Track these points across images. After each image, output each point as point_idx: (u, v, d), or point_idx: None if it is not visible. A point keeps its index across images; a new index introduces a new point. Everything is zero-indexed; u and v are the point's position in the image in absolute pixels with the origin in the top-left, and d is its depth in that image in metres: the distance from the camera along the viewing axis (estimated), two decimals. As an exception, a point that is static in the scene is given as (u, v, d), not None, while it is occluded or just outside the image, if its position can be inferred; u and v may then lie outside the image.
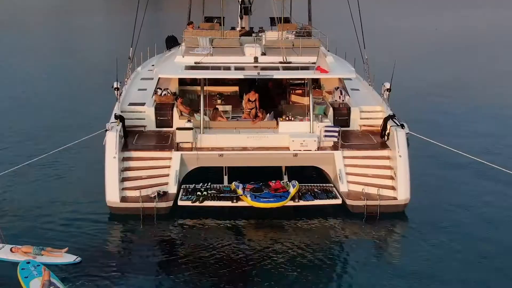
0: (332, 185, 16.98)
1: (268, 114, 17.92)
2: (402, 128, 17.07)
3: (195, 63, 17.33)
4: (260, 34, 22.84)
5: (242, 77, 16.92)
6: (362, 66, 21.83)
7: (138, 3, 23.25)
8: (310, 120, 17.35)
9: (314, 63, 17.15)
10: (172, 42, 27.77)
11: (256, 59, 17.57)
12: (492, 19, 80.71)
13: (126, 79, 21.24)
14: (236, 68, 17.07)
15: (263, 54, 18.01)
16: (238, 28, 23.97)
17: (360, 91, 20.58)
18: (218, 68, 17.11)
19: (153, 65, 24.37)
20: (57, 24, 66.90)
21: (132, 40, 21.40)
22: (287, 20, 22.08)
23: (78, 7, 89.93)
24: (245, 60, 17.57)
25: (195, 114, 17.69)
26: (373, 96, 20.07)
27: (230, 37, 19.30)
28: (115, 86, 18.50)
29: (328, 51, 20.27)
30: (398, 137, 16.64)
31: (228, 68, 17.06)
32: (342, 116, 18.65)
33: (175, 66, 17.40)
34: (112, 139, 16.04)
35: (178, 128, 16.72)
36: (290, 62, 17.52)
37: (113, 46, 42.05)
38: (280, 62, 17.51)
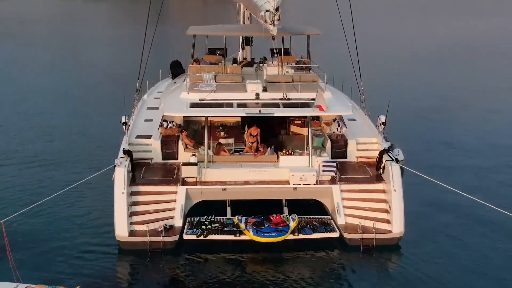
0: (330, 217, 17.27)
1: (269, 148, 18.20)
2: (397, 162, 17.37)
3: (199, 100, 17.60)
4: (261, 65, 23.21)
5: (244, 115, 17.22)
6: (358, 96, 22.26)
7: (145, 34, 23.54)
8: (309, 155, 17.65)
9: (313, 99, 17.47)
10: (176, 68, 28.08)
11: (257, 95, 17.84)
12: (488, 28, 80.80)
13: (133, 110, 21.54)
14: (239, 105, 17.34)
15: (264, 89, 18.29)
16: (240, 59, 24.26)
17: (356, 122, 20.88)
18: (221, 104, 17.38)
19: (158, 92, 24.67)
20: (61, 39, 65.75)
21: (139, 72, 21.69)
22: (287, 52, 22.38)
23: (81, 17, 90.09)
24: (247, 96, 17.83)
25: (199, 148, 17.97)
26: (369, 127, 20.36)
27: (233, 73, 19.56)
28: (123, 120, 18.77)
29: (326, 83, 20.58)
30: (393, 171, 16.95)
31: (231, 105, 17.32)
32: (339, 148, 18.96)
33: (180, 102, 17.65)
34: (120, 175, 16.32)
35: (184, 164, 17.02)
36: (290, 99, 17.79)
37: (120, 71, 41.71)
38: (281, 99, 17.77)
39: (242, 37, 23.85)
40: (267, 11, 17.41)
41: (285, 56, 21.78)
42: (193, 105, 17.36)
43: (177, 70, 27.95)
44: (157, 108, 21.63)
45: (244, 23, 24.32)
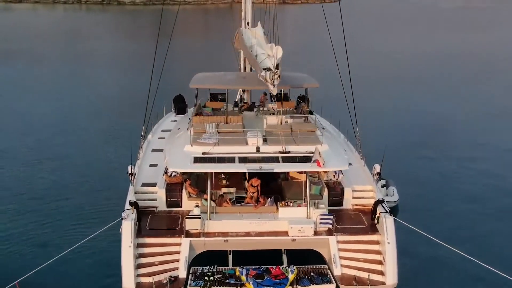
0: (327, 266, 17.73)
1: (269, 199, 18.68)
2: (391, 215, 17.85)
3: (203, 153, 18.10)
4: (261, 108, 23.71)
5: (245, 171, 17.67)
6: (354, 136, 22.84)
7: (151, 73, 24.10)
8: (307, 206, 18.14)
9: (312, 152, 18.03)
10: (179, 103, 28.61)
11: (258, 149, 18.35)
12: (486, 44, 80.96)
13: (138, 154, 22.04)
14: (240, 159, 17.84)
15: (265, 140, 18.81)
16: (239, 95, 24.66)
17: (352, 166, 21.34)
18: (223, 159, 17.87)
19: (163, 131, 25.18)
20: (64, 58, 65.27)
21: (145, 119, 22.26)
22: (286, 97, 22.90)
23: (86, 30, 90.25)
24: (248, 149, 18.33)
25: (202, 200, 18.45)
26: (365, 173, 20.84)
27: (234, 123, 20.04)
28: (129, 171, 19.25)
29: (323, 128, 21.09)
30: (387, 224, 17.43)
31: (233, 160, 17.82)
32: (336, 197, 19.47)
33: (184, 156, 18.14)
34: (127, 229, 16.78)
35: (188, 217, 17.50)
36: (289, 152, 18.31)
37: (127, 100, 41.77)
38: (280, 152, 18.30)
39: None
40: (267, 69, 18.00)
41: (284, 102, 22.33)
42: (196, 159, 17.85)
43: (180, 105, 28.50)
44: (161, 150, 22.16)
45: (245, 69, 24.83)
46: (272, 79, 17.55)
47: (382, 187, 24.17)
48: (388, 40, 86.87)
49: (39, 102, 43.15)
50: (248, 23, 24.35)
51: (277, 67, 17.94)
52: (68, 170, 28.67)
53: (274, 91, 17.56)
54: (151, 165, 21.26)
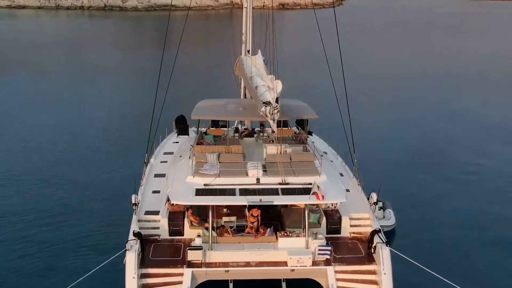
0: (325, 296, 18.04)
1: (268, 229, 18.96)
2: (387, 245, 18.12)
3: (204, 185, 18.39)
4: (261, 134, 23.97)
5: (245, 203, 17.95)
6: (351, 156, 23.20)
7: (155, 101, 24.38)
8: (306, 236, 18.42)
9: (310, 183, 18.33)
10: (181, 124, 28.88)
11: (258, 180, 18.64)
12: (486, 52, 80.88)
13: (141, 180, 22.32)
14: (241, 191, 18.12)
15: (264, 170, 19.10)
16: (238, 124, 24.96)
17: (350, 193, 21.58)
18: (224, 191, 18.15)
19: (165, 154, 25.45)
20: (67, 71, 64.12)
21: (147, 146, 22.54)
22: (285, 124, 23.10)
23: (89, 39, 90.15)
24: (249, 181, 18.62)
25: (203, 229, 18.73)
26: (362, 200, 21.13)
27: (235, 152, 20.31)
28: (133, 201, 19.53)
29: (322, 155, 21.39)
30: (383, 255, 17.72)
31: (234, 192, 18.10)
32: (334, 225, 19.77)
33: (186, 187, 18.42)
34: (131, 260, 17.09)
35: (190, 248, 17.79)
36: (288, 183, 18.60)
37: (129, 120, 40.99)
38: (280, 184, 18.59)
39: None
40: (267, 103, 18.29)
41: (284, 129, 22.62)
42: (198, 191, 18.13)
43: (181, 126, 28.78)
44: (163, 175, 22.48)
45: (245, 95, 25.10)
46: (272, 113, 17.87)
47: (379, 209, 24.47)
48: (385, 51, 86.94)
49: (38, 119, 42.56)
50: (248, 51, 24.64)
51: (276, 101, 18.27)
52: (71, 197, 28.05)
53: (274, 126, 17.87)
54: (153, 192, 21.53)
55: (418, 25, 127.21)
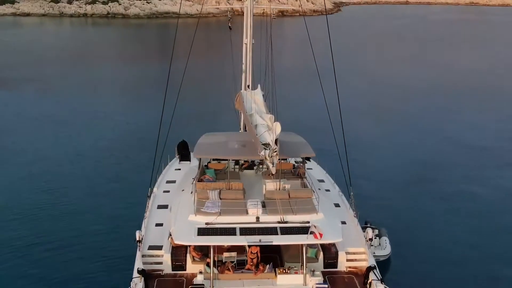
0: (322, 331, 18.41)
1: (268, 266, 19.32)
2: (382, 283, 18.49)
3: (206, 224, 18.77)
4: (260, 166, 24.33)
5: (245, 244, 18.31)
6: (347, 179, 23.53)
7: (159, 130, 24.75)
8: (304, 273, 18.80)
9: (308, 222, 18.75)
10: (183, 150, 29.22)
11: (257, 219, 19.03)
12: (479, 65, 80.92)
13: (145, 213, 22.67)
14: (241, 231, 18.50)
15: (264, 207, 19.49)
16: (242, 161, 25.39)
17: (346, 225, 21.93)
18: (225, 230, 18.53)
19: (168, 182, 25.79)
20: (70, 89, 62.84)
21: (151, 179, 22.88)
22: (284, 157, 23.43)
23: (92, 55, 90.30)
24: (249, 219, 19.00)
25: (205, 266, 19.11)
26: (358, 234, 21.46)
27: (235, 189, 20.68)
28: (137, 238, 19.88)
29: (319, 188, 21.73)
30: (379, 292, 18.11)
31: (234, 231, 18.49)
32: (330, 260, 20.12)
33: (188, 226, 18.80)
34: (136, 299, 17.47)
35: (192, 286, 18.15)
36: (287, 222, 18.98)
37: (132, 150, 39.63)
38: (278, 222, 18.98)
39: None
40: (266, 145, 18.67)
41: (283, 163, 22.97)
42: (200, 231, 18.51)
43: (183, 152, 29.13)
44: (166, 206, 22.85)
45: (245, 128, 25.46)
46: (271, 156, 18.26)
47: (375, 238, 24.79)
48: (380, 64, 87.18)
49: (41, 139, 42.24)
50: (248, 86, 25.04)
51: (276, 142, 18.67)
52: (72, 229, 27.32)
53: (273, 170, 18.26)
54: (157, 224, 21.86)
55: (415, 35, 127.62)
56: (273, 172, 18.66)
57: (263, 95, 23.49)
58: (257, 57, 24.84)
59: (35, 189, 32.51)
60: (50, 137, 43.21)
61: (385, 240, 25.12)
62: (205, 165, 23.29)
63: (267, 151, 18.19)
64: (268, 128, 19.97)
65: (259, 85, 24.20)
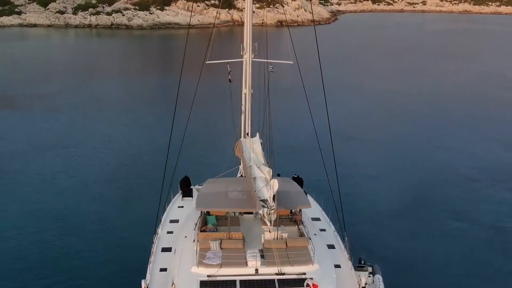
0: None
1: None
2: (376, 334, 19.10)
3: (208, 276, 19.36)
4: (259, 211, 24.86)
5: None
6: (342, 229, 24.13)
7: (164, 171, 25.26)
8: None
9: (304, 273, 19.39)
10: (186, 186, 29.76)
11: (256, 270, 19.62)
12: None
13: (150, 258, 23.20)
14: (241, 283, 19.09)
15: (262, 257, 20.08)
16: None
17: (340, 269, 22.43)
18: (226, 283, 19.11)
19: (171, 222, 26.34)
20: (75, 110, 61.58)
21: (156, 223, 23.40)
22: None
23: (96, 70, 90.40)
24: (248, 271, 19.60)
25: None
26: (352, 279, 21.98)
27: (235, 238, 21.25)
28: (143, 286, 20.43)
29: (315, 234, 22.30)
30: None
31: (234, 284, 19.07)
32: None
33: (191, 279, 19.38)
34: None
35: None
36: (284, 274, 19.59)
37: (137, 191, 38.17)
38: (276, 274, 19.58)
39: None
40: (264, 201, 19.27)
41: (281, 211, 23.52)
42: (202, 284, 19.09)
43: (186, 189, 29.70)
44: (170, 249, 23.39)
45: (246, 175, 26.01)
46: (269, 214, 18.86)
47: (368, 276, 25.26)
48: (371, 79, 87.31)
49: (45, 162, 42.40)
50: (248, 134, 25.62)
51: (273, 198, 19.27)
52: (75, 271, 26.91)
53: (271, 228, 18.84)
54: (161, 269, 22.40)
55: (408, 47, 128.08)
56: (271, 230, 19.25)
57: (261, 143, 24.05)
58: (255, 106, 25.51)
59: (36, 221, 32.23)
60: (55, 163, 42.92)
61: (379, 278, 25.48)
62: (206, 212, 23.87)
63: (265, 209, 18.78)
64: (266, 182, 20.58)
65: (257, 134, 24.79)
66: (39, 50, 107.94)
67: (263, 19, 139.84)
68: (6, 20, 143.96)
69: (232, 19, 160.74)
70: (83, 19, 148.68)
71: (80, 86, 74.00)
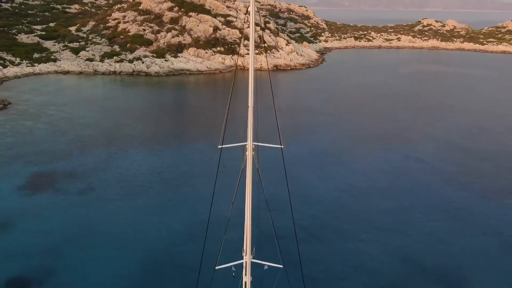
0: None
1: None
2: None
3: None
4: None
5: None
6: None
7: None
8: None
9: None
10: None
11: None
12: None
13: None
14: None
15: None
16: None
17: None
18: None
19: None
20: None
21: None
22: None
23: (121, 114, 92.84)
24: None
25: None
26: None
27: None
28: None
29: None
30: None
31: None
32: None
33: None
34: None
35: None
36: None
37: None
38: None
39: None
40: None
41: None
42: None
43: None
44: None
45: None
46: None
47: None
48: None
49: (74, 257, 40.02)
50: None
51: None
52: None
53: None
54: None
55: (383, 94, 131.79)
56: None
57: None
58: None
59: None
60: (85, 261, 39.70)
61: None
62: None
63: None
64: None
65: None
66: (72, 98, 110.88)
67: (261, 64, 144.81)
68: (44, 67, 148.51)
69: (235, 63, 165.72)
70: (109, 66, 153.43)
71: (108, 152, 75.81)
